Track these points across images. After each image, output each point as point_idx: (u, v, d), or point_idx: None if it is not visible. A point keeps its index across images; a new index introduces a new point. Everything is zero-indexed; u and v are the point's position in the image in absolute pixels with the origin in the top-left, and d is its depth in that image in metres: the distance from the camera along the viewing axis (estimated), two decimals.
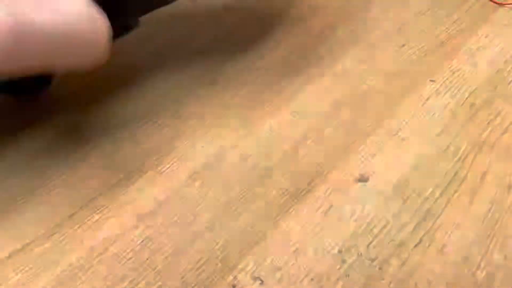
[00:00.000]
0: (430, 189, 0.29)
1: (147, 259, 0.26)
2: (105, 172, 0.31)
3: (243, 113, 0.34)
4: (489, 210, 0.28)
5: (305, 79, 0.37)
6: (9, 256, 0.26)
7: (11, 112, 0.34)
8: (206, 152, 0.32)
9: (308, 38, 0.41)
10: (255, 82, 0.35)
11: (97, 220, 0.28)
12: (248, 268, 0.26)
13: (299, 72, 0.37)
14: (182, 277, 0.25)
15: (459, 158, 0.31)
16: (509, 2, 0.42)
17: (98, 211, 0.28)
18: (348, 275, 0.25)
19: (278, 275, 0.25)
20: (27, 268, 0.25)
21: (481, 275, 0.25)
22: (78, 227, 0.28)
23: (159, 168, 0.31)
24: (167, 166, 0.31)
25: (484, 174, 0.30)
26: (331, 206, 0.28)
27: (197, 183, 0.30)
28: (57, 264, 0.26)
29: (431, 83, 0.36)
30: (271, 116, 0.34)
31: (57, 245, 0.27)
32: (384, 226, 0.27)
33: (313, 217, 0.28)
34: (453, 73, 0.36)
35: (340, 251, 0.26)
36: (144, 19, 0.32)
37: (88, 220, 0.28)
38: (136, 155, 0.32)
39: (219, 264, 0.26)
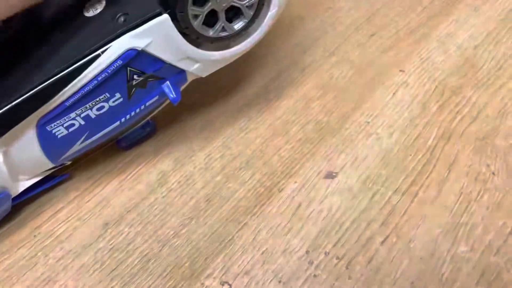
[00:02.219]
0: (399, 183, 0.29)
1: (114, 269, 0.26)
2: None
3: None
4: (457, 201, 0.28)
5: (275, 73, 0.36)
6: None
7: None
8: (173, 156, 0.31)
9: (278, 30, 0.40)
10: (222, 72, 0.35)
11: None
12: (216, 273, 0.26)
13: (268, 66, 0.37)
14: (149, 286, 0.25)
15: (428, 149, 0.30)
16: None
17: None
18: (316, 276, 0.25)
19: (245, 279, 0.25)
20: None
21: (447, 270, 0.25)
22: None
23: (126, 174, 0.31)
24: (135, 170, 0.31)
25: (452, 165, 0.30)
26: (299, 205, 0.28)
27: (164, 188, 0.30)
28: None
29: (401, 73, 0.35)
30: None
31: None
32: (352, 224, 0.27)
33: (281, 218, 0.28)
34: (423, 61, 0.36)
35: (307, 252, 0.26)
36: None
37: None
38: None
39: (186, 271, 0.26)
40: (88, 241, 0.27)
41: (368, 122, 0.32)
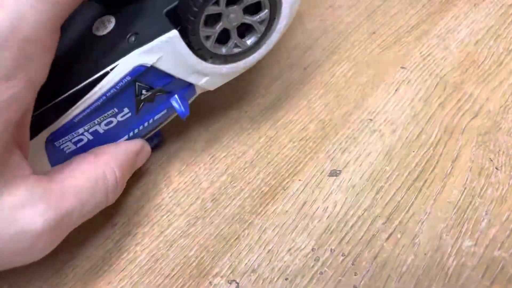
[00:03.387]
0: (402, 179, 0.29)
1: (123, 269, 0.26)
2: None
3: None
4: (461, 196, 0.28)
5: (276, 73, 0.36)
6: None
7: None
8: (178, 157, 0.32)
9: None
10: None
11: None
12: (223, 272, 0.26)
13: (269, 67, 0.37)
14: (158, 286, 0.26)
15: (431, 145, 0.31)
16: None
17: None
18: (322, 273, 0.26)
19: (253, 277, 0.26)
20: None
21: (452, 265, 0.25)
22: None
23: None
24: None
25: (455, 160, 0.30)
26: (304, 203, 0.28)
27: (170, 188, 0.30)
28: None
29: (402, 70, 0.35)
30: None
31: None
32: (357, 221, 0.27)
33: (286, 216, 0.28)
34: (424, 58, 0.36)
35: (313, 249, 0.26)
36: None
37: None
38: None
39: (194, 271, 0.26)
40: (96, 242, 0.28)
41: (371, 120, 0.32)
